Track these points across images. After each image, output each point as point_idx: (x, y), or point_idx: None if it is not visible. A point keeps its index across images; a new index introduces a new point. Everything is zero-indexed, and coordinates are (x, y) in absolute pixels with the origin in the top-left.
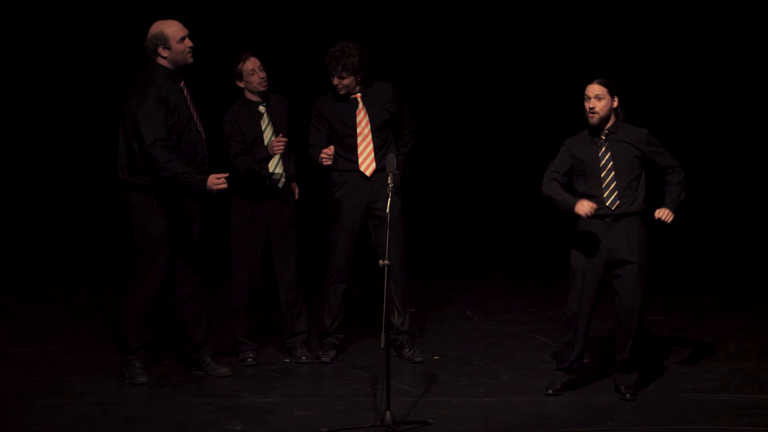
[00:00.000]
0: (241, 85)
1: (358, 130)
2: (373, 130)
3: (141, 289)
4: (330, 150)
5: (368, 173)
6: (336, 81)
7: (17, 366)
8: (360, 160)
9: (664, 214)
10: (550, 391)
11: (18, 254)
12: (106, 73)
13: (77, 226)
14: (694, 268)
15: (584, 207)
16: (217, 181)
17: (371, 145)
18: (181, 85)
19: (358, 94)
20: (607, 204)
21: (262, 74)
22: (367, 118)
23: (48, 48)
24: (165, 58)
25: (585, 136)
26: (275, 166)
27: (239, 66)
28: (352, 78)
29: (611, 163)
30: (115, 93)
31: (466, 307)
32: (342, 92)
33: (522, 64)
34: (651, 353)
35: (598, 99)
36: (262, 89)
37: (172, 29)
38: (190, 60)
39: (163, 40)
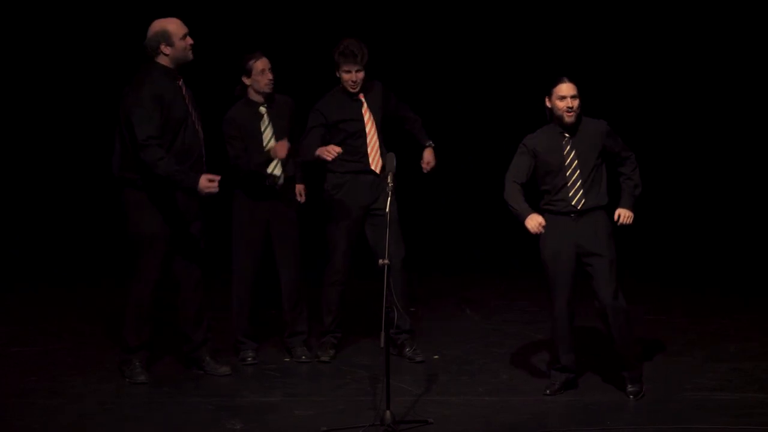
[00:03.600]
0: (248, 82)
1: (367, 129)
2: (378, 129)
3: (137, 286)
4: (336, 148)
5: (378, 170)
6: (351, 76)
7: (17, 366)
8: (370, 159)
9: (624, 216)
10: (548, 392)
11: (18, 254)
12: (103, 72)
13: (77, 225)
14: (694, 267)
15: (533, 224)
16: (208, 183)
17: (377, 144)
18: (180, 83)
19: (361, 94)
20: (572, 203)
21: (271, 76)
22: (372, 117)
23: (46, 48)
24: (167, 55)
25: (546, 134)
26: (273, 167)
27: (250, 63)
28: (363, 72)
29: (576, 162)
30: (112, 91)
31: (466, 306)
32: (354, 89)
33: (523, 64)
34: (643, 345)
35: (574, 98)
36: (268, 91)
37: (174, 26)
38: (191, 57)
39: (166, 37)
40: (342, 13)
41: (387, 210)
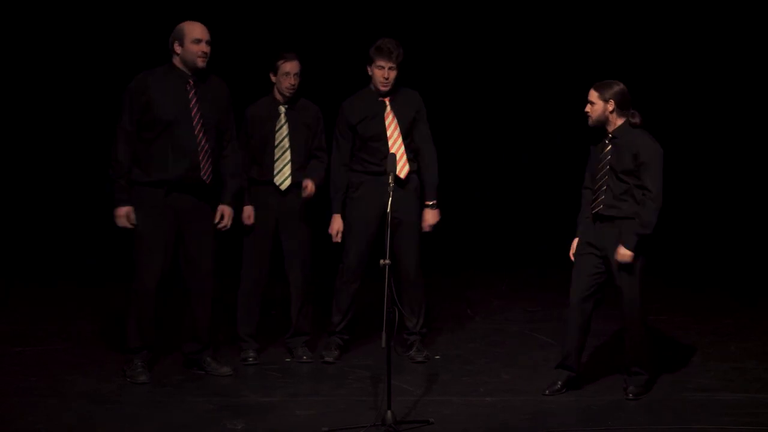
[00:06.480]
0: (273, 80)
1: (388, 134)
2: (403, 134)
3: (138, 287)
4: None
5: (402, 176)
6: (383, 72)
7: (19, 365)
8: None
9: (621, 256)
10: (549, 392)
11: (19, 253)
12: (108, 72)
13: (79, 225)
14: (696, 266)
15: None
16: (122, 217)
17: (402, 148)
18: (188, 86)
19: (387, 98)
20: (592, 204)
21: (294, 81)
22: (395, 121)
23: (54, 48)
24: (177, 55)
25: (601, 135)
26: (277, 172)
27: (279, 62)
28: (395, 72)
29: (607, 167)
30: (117, 91)
31: (467, 306)
32: (385, 86)
33: (527, 63)
34: (658, 355)
35: (591, 104)
36: (287, 94)
37: (191, 28)
38: (200, 64)
39: (179, 37)
40: (345, 15)
41: (388, 210)
